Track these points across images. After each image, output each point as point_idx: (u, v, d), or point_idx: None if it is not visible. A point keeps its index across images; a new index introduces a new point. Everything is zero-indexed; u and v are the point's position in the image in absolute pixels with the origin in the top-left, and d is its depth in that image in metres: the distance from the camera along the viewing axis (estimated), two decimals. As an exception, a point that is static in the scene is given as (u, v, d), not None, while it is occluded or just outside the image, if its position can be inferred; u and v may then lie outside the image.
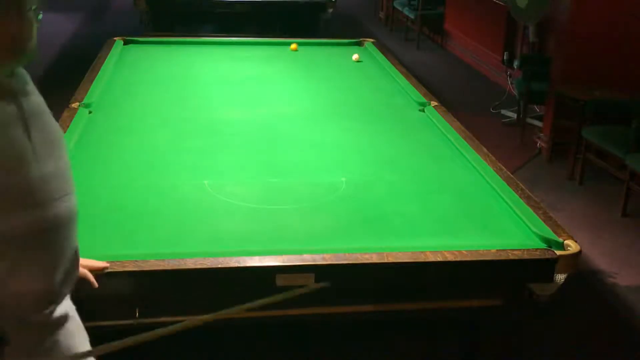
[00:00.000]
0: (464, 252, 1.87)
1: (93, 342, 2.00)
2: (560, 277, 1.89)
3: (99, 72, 3.45)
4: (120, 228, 2.00)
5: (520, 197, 2.21)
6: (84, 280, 1.72)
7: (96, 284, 1.66)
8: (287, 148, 2.69)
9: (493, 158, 2.54)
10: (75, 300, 1.85)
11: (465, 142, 2.69)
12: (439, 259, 1.84)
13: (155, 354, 2.38)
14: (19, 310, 1.23)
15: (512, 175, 2.39)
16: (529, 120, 5.36)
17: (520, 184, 2.31)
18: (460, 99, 5.88)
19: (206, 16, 5.96)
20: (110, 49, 3.92)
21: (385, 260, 1.82)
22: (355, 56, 4.05)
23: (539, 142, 4.97)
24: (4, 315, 1.24)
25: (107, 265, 1.73)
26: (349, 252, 1.84)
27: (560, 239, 1.94)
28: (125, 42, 4.16)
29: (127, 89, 3.36)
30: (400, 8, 8.27)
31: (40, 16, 1.20)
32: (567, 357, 2.79)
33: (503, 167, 2.46)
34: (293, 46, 4.08)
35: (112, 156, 2.53)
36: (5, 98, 1.16)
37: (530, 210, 2.12)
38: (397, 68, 3.80)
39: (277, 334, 2.45)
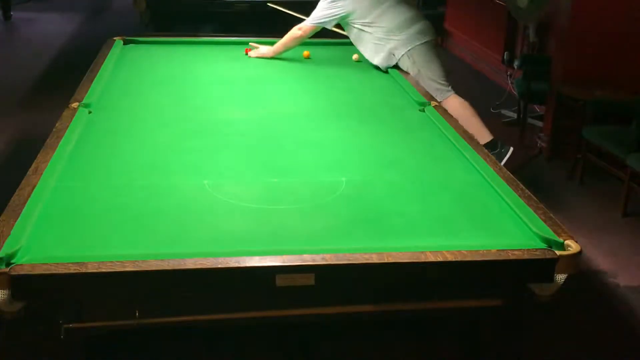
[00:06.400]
0: (464, 252, 1.87)
1: (93, 342, 2.01)
2: (560, 277, 1.88)
3: (99, 72, 3.45)
4: (120, 228, 1.99)
5: (520, 197, 2.21)
6: (83, 281, 1.73)
7: None
8: (287, 148, 2.69)
9: (493, 158, 2.54)
10: (75, 301, 1.85)
11: (465, 142, 2.69)
12: (439, 259, 1.84)
13: (155, 355, 2.38)
14: None
15: (512, 175, 2.39)
16: (529, 120, 5.36)
17: (520, 184, 2.31)
18: (460, 99, 5.87)
19: (206, 16, 5.95)
20: (110, 49, 3.93)
21: (385, 260, 1.82)
22: (355, 56, 4.05)
23: (539, 142, 4.97)
24: None
25: None
26: (349, 252, 1.84)
27: (561, 239, 1.94)
28: (125, 42, 4.16)
29: (127, 89, 3.36)
30: (400, 8, 8.26)
31: None
32: (568, 357, 2.79)
33: (503, 167, 2.45)
34: (305, 53, 4.06)
35: (112, 156, 2.53)
36: None
37: (530, 210, 2.12)
38: (397, 68, 3.80)
39: (276, 335, 2.45)
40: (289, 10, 4.74)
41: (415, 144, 2.78)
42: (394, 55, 3.82)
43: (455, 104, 3.75)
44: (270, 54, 4.01)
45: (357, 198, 2.27)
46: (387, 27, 3.83)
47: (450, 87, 3.87)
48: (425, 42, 3.84)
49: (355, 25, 3.89)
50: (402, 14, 3.87)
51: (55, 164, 2.35)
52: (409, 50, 3.79)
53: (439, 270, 1.87)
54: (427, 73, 3.77)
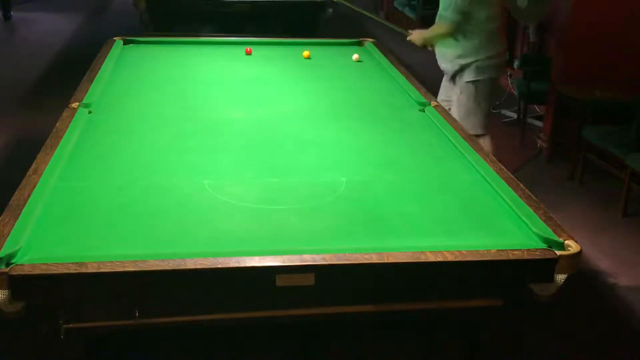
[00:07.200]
0: (464, 252, 1.87)
1: (93, 342, 2.01)
2: (560, 278, 1.89)
3: (99, 72, 3.45)
4: (120, 228, 1.99)
5: (520, 197, 2.21)
6: (83, 281, 1.73)
7: None
8: (287, 148, 2.69)
9: (493, 158, 2.54)
10: (75, 301, 1.85)
11: (466, 142, 2.69)
12: (439, 259, 1.84)
13: (155, 355, 2.38)
14: None
15: (512, 175, 2.39)
16: (529, 120, 5.37)
17: (521, 184, 2.31)
18: (460, 99, 5.87)
19: (206, 16, 5.95)
20: (110, 49, 3.93)
21: (385, 260, 1.82)
22: (355, 56, 4.04)
23: (539, 142, 4.97)
24: None
25: None
26: (349, 252, 1.84)
27: (561, 239, 1.94)
28: (125, 42, 4.16)
29: (127, 88, 3.36)
30: (400, 8, 8.28)
31: None
32: (567, 357, 2.79)
33: (503, 167, 2.45)
34: (305, 53, 4.06)
35: (112, 156, 2.53)
36: None
37: (530, 210, 2.12)
38: (397, 68, 3.80)
39: (276, 335, 2.45)
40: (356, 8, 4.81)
41: (415, 144, 2.78)
42: (462, 72, 3.77)
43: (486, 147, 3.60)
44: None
45: (357, 198, 2.27)
46: (483, 43, 3.73)
47: (487, 131, 3.82)
48: (497, 79, 3.80)
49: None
50: (500, 43, 3.80)
51: (55, 164, 2.35)
52: (480, 79, 3.74)
53: (439, 270, 1.87)
54: (480, 107, 3.69)
